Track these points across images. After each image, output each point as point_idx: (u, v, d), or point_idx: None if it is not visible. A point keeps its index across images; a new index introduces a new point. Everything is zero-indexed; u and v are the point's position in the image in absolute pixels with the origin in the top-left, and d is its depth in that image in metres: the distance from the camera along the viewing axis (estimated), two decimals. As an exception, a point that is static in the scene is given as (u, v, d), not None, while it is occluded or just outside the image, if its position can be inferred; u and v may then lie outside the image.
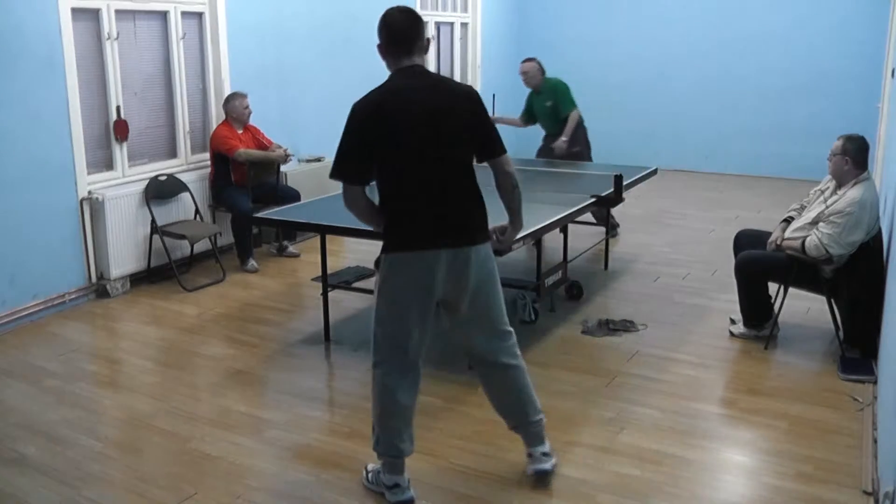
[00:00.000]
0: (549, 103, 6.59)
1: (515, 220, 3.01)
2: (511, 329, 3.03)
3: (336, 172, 2.78)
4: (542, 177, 5.70)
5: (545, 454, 3.09)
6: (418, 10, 8.32)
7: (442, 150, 2.78)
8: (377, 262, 2.86)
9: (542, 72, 6.64)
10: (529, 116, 6.89)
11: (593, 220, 6.22)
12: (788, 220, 4.45)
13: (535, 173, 5.90)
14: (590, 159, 6.65)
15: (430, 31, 8.80)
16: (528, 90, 6.80)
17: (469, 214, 2.85)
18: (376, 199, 2.86)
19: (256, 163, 5.89)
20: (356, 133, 2.73)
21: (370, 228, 2.98)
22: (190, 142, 6.05)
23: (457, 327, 3.01)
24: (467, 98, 2.87)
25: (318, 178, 5.97)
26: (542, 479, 3.08)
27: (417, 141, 2.74)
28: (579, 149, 6.59)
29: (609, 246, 5.93)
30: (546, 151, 6.74)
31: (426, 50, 2.95)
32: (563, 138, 6.48)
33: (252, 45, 6.35)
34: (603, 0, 10.19)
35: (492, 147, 2.87)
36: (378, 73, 2.95)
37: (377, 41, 2.86)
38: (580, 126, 6.62)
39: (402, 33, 2.84)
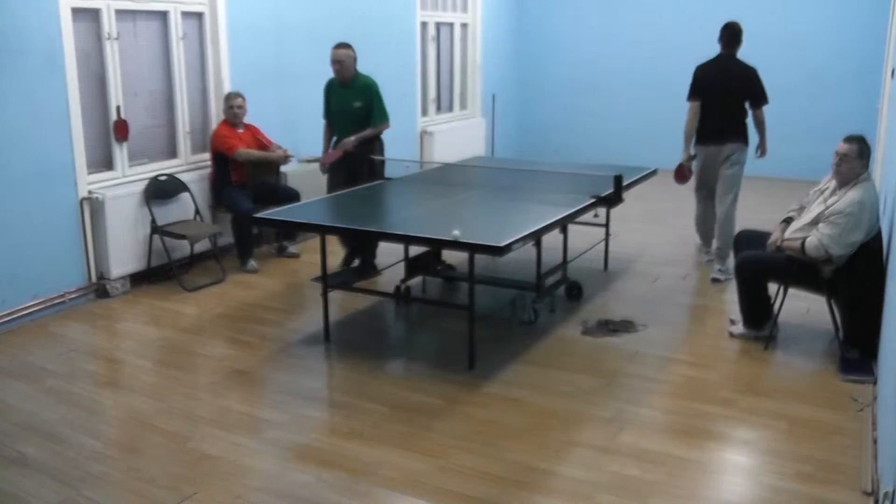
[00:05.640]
0: (359, 104, 5.59)
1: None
2: None
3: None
4: (542, 177, 5.70)
5: (720, 269, 5.52)
6: (418, 10, 8.35)
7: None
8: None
9: (356, 62, 5.60)
10: (323, 112, 5.83)
11: (593, 222, 6.19)
12: (788, 221, 4.45)
13: (535, 173, 5.90)
14: (373, 179, 5.58)
15: (431, 32, 8.81)
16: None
17: None
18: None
19: (256, 163, 5.89)
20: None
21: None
22: (190, 142, 6.05)
23: None
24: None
25: (318, 178, 5.96)
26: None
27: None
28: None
29: (609, 246, 5.93)
30: (338, 167, 5.65)
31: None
32: (353, 138, 5.56)
33: (252, 45, 6.35)
34: (603, 0, 10.20)
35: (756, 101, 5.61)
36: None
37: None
38: (379, 140, 5.73)
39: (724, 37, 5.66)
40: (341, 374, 4.22)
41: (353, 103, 5.60)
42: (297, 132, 6.79)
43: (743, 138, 5.63)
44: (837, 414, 3.62)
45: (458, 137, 8.99)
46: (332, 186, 5.72)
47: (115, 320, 4.98)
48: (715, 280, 5.55)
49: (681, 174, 5.95)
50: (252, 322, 4.88)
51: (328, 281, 4.56)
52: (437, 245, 4.54)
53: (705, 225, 6.00)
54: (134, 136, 5.57)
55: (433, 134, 8.59)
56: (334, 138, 5.80)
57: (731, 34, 5.63)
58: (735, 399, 3.84)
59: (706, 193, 5.89)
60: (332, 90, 5.71)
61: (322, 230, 4.50)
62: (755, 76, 5.58)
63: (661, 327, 4.72)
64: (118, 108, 5.43)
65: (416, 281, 5.27)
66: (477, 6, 9.49)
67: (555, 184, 5.35)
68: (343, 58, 5.51)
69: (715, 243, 5.72)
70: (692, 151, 5.84)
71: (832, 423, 3.53)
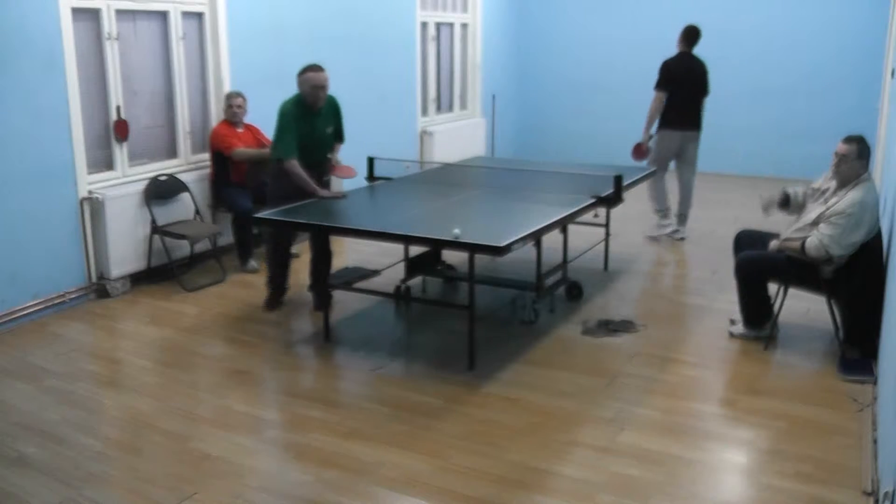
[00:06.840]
0: (331, 129, 5.02)
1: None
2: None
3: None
4: (542, 177, 5.70)
5: (682, 229, 6.65)
6: (418, 10, 8.35)
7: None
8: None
9: None
10: (294, 147, 4.80)
11: (593, 222, 6.20)
12: (786, 198, 4.51)
13: (535, 173, 5.90)
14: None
15: (431, 32, 8.80)
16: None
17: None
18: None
19: (256, 162, 5.88)
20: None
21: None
22: (190, 142, 6.05)
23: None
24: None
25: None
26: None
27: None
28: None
29: (609, 246, 5.93)
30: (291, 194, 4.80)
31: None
32: (339, 156, 5.15)
33: (252, 45, 6.35)
34: (603, 0, 10.19)
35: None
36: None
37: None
38: None
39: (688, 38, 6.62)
40: (341, 374, 4.22)
41: (326, 130, 4.98)
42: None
43: (700, 123, 6.72)
44: (837, 414, 3.62)
45: (458, 137, 8.98)
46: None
47: (115, 320, 4.98)
48: (682, 239, 6.64)
49: (639, 152, 6.67)
50: (252, 322, 4.88)
51: (328, 281, 4.56)
52: (437, 245, 4.54)
53: (665, 193, 6.80)
54: (134, 136, 5.57)
55: (433, 134, 8.58)
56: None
57: (694, 36, 6.67)
58: (735, 399, 3.85)
59: (665, 168, 6.75)
60: (303, 118, 4.83)
61: (321, 230, 4.50)
62: (707, 70, 6.73)
63: (661, 327, 4.72)
64: (118, 108, 5.43)
65: (416, 281, 5.27)
66: (477, 6, 9.49)
67: (555, 184, 5.35)
68: (325, 81, 4.84)
69: (678, 209, 6.78)
70: (652, 133, 6.65)
71: (832, 423, 3.53)
